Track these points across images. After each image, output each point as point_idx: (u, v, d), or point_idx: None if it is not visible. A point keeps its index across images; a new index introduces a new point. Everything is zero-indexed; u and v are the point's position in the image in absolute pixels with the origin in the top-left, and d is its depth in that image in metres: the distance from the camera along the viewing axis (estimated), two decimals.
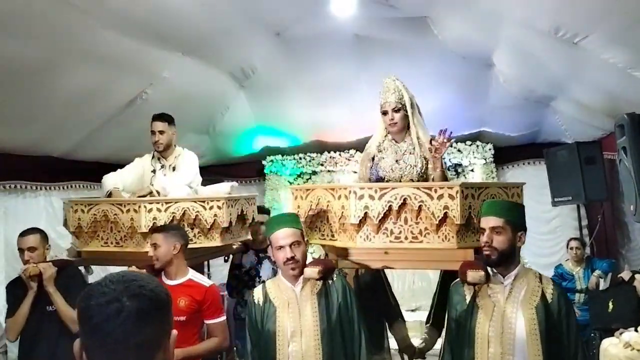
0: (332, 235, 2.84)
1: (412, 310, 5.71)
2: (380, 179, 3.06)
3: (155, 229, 2.97)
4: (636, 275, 4.44)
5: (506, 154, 6.86)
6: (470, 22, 4.55)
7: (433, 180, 2.95)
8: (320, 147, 7.08)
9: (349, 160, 7.03)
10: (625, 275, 4.59)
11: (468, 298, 2.35)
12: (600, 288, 5.02)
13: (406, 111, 3.02)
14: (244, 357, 3.75)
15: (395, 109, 3.00)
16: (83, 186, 5.08)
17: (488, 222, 2.29)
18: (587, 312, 4.92)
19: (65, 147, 4.66)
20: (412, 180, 2.97)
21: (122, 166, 3.65)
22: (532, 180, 6.56)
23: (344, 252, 2.81)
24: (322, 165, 7.08)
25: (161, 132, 3.56)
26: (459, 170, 6.83)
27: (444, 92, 5.79)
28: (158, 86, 4.59)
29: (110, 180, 3.44)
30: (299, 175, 7.18)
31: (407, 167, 3.01)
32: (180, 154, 3.67)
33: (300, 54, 5.31)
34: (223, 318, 2.98)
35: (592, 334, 4.66)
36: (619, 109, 3.43)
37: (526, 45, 4.38)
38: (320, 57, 5.37)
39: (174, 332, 1.13)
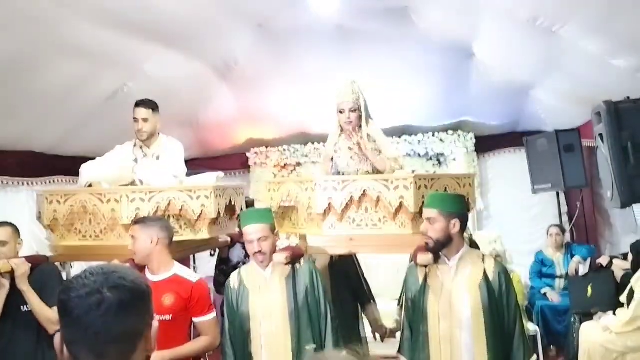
0: (301, 225, 3.08)
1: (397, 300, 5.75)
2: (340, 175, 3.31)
3: (135, 221, 2.81)
4: (614, 260, 4.54)
5: (487, 143, 6.92)
6: (450, 12, 4.59)
7: (377, 169, 3.28)
8: (304, 139, 7.08)
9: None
10: (604, 260, 4.70)
11: (421, 279, 2.61)
12: (580, 273, 5.13)
13: (361, 112, 3.30)
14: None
15: (352, 109, 3.28)
16: (66, 181, 5.02)
17: (425, 213, 2.58)
18: (567, 297, 5.03)
19: (47, 142, 4.62)
20: (367, 172, 3.27)
21: None
22: (512, 168, 6.70)
23: (311, 239, 3.05)
24: (306, 156, 7.08)
25: (145, 120, 3.36)
26: (441, 160, 6.89)
27: (425, 82, 5.83)
28: (139, 79, 4.56)
29: (89, 170, 3.25)
30: (283, 167, 7.19)
31: (361, 162, 3.32)
32: (164, 142, 3.49)
33: (283, 45, 5.30)
34: (213, 315, 2.81)
35: (572, 319, 4.76)
36: (596, 97, 3.49)
37: (506, 34, 4.43)
38: (302, 49, 5.37)
39: (155, 322, 1.14)
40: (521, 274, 5.45)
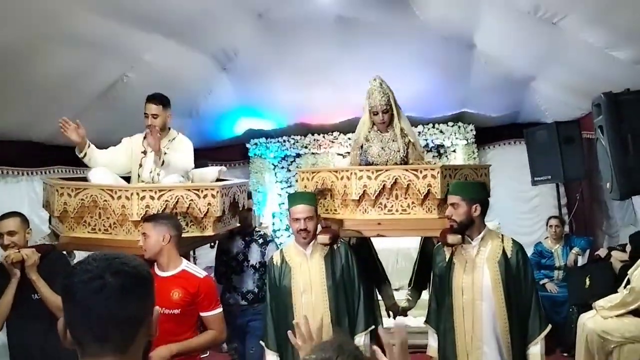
0: (335, 210, 3.35)
1: (396, 290, 5.78)
2: (369, 164, 3.55)
3: (145, 218, 2.84)
4: (613, 252, 4.55)
5: (487, 134, 6.93)
6: (451, 3, 4.58)
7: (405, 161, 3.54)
8: (304, 130, 7.09)
9: (332, 142, 7.05)
10: (602, 252, 4.71)
11: (447, 257, 2.93)
12: (579, 265, 5.15)
13: (392, 111, 3.53)
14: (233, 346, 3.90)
15: (384, 110, 3.49)
16: (65, 171, 5.01)
17: (449, 199, 2.89)
18: (566, 288, 5.05)
19: (47, 132, 4.60)
20: (396, 163, 3.50)
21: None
22: (512, 160, 6.70)
23: (344, 224, 3.31)
24: (306, 147, 7.09)
25: (155, 116, 3.38)
26: (441, 151, 6.90)
27: (426, 73, 5.82)
28: (139, 69, 4.55)
29: (99, 157, 3.33)
30: (283, 158, 7.20)
31: (391, 153, 3.54)
32: (174, 137, 3.52)
33: (283, 35, 5.29)
34: (219, 310, 2.89)
35: (570, 309, 4.78)
36: (596, 89, 3.50)
37: (507, 25, 4.42)
38: (302, 39, 5.36)
39: (157, 308, 1.15)
40: None
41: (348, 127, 6.92)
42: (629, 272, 3.76)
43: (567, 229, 5.91)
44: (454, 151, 6.89)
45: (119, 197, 2.96)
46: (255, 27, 5.16)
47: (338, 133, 7.02)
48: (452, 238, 2.84)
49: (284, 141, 7.13)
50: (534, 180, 5.92)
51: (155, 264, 2.82)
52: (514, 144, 6.89)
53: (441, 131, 6.82)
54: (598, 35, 3.66)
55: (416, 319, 3.80)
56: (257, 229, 4.17)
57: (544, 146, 5.68)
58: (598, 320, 3.78)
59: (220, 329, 2.88)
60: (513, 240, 2.90)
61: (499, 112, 6.66)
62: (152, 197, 2.97)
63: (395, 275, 6.27)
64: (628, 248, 4.19)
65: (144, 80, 4.63)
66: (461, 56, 5.51)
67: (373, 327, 3.09)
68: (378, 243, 3.83)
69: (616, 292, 3.86)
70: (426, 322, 3.09)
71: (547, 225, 5.66)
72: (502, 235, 2.94)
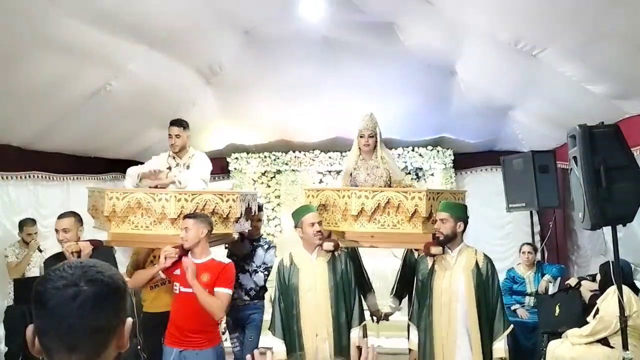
0: (336, 223, 3.85)
1: None
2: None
3: (187, 215, 3.46)
4: (582, 282, 4.63)
5: (465, 160, 7.05)
6: (435, 31, 4.68)
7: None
8: (286, 147, 7.11)
9: (313, 160, 7.09)
10: (572, 281, 4.79)
11: (430, 265, 3.52)
12: (550, 292, 5.22)
13: (377, 138, 4.11)
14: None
15: (370, 135, 4.10)
16: (42, 177, 4.94)
17: (439, 215, 3.46)
18: (536, 314, 5.11)
19: (26, 137, 4.55)
20: (380, 186, 4.02)
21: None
22: (488, 186, 6.79)
23: (343, 235, 3.81)
24: (286, 164, 7.12)
25: (177, 136, 4.05)
26: (419, 174, 6.98)
27: (408, 97, 5.92)
28: (123, 78, 4.53)
29: (135, 171, 3.90)
30: (263, 174, 7.20)
31: (376, 178, 4.11)
32: (193, 154, 4.15)
33: (269, 53, 5.34)
34: (229, 291, 3.45)
35: (541, 337, 4.83)
36: (572, 121, 3.59)
37: (488, 55, 4.53)
38: (288, 57, 5.41)
39: (129, 319, 1.13)
40: None
41: (329, 145, 6.97)
42: (597, 301, 3.84)
43: (539, 256, 6.01)
44: (432, 175, 6.98)
45: (160, 199, 3.59)
46: (242, 44, 5.20)
47: (319, 151, 7.06)
48: (434, 249, 3.44)
49: (265, 157, 7.14)
50: (509, 207, 6.01)
51: (190, 252, 3.45)
52: (490, 171, 7.00)
53: (420, 155, 6.91)
54: (575, 69, 3.78)
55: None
56: (263, 236, 4.71)
57: (520, 174, 5.78)
58: (567, 347, 3.84)
59: (225, 305, 3.43)
60: (484, 254, 3.52)
61: (477, 138, 6.79)
62: (186, 200, 3.61)
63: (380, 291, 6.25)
64: (598, 278, 4.26)
65: (127, 90, 4.62)
66: (442, 83, 5.62)
67: (365, 322, 3.65)
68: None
69: (585, 321, 3.93)
70: (409, 319, 3.66)
71: (520, 251, 5.73)
72: (476, 249, 3.54)
